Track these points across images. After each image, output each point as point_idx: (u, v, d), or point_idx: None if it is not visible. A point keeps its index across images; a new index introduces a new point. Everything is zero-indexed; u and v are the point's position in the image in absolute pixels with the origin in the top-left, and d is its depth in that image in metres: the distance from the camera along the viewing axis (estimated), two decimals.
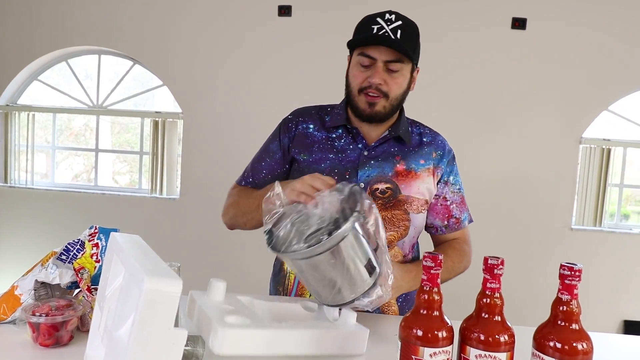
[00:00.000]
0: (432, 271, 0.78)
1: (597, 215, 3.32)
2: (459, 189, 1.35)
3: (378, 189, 1.26)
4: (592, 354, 0.75)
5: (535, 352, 0.76)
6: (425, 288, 0.78)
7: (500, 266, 0.77)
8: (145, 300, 0.57)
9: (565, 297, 0.75)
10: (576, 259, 3.40)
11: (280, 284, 1.36)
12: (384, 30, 1.16)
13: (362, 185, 1.27)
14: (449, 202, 1.34)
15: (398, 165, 1.27)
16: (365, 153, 1.28)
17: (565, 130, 3.31)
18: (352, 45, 1.23)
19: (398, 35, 1.16)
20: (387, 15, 1.18)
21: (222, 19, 3.56)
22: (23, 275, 1.04)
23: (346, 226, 0.92)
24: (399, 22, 1.18)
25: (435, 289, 0.78)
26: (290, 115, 1.37)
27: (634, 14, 3.22)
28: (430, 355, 0.75)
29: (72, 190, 3.87)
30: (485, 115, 3.37)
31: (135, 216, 3.68)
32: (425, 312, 0.78)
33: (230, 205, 1.35)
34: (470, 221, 1.39)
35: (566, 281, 0.75)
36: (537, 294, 3.08)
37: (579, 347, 0.74)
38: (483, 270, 0.78)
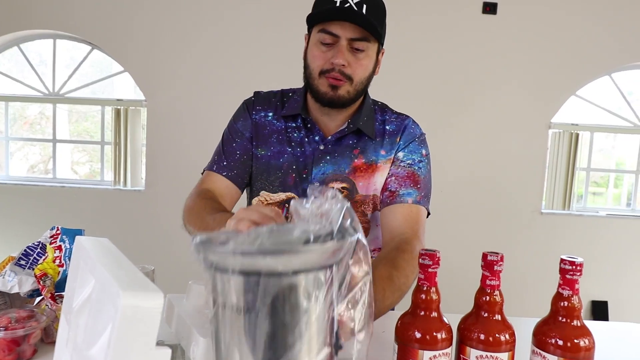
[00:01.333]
0: (429, 269, 0.73)
1: (566, 199, 3.39)
2: (409, 164, 1.17)
3: (333, 188, 1.17)
4: (594, 350, 0.72)
5: (536, 349, 0.74)
6: (423, 287, 0.73)
7: (500, 262, 0.73)
8: (123, 318, 0.50)
9: (566, 293, 0.73)
10: (546, 242, 3.47)
11: None
12: (348, 3, 1.02)
13: (317, 184, 1.15)
14: (388, 176, 1.18)
15: (356, 160, 1.17)
16: (321, 147, 1.17)
17: (535, 115, 3.35)
18: (311, 21, 1.09)
19: (363, 10, 1.02)
20: None
21: (187, 0, 3.41)
22: None
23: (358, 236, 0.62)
24: None
25: (433, 289, 0.74)
26: (253, 97, 1.26)
27: (601, 1, 3.27)
28: (430, 359, 0.71)
29: (29, 184, 3.67)
30: (454, 101, 3.37)
31: (99, 210, 3.53)
32: (423, 313, 0.73)
33: (191, 213, 1.11)
34: (418, 202, 1.14)
35: (567, 276, 0.72)
36: (508, 278, 3.12)
37: (581, 343, 0.71)
38: (482, 266, 0.74)
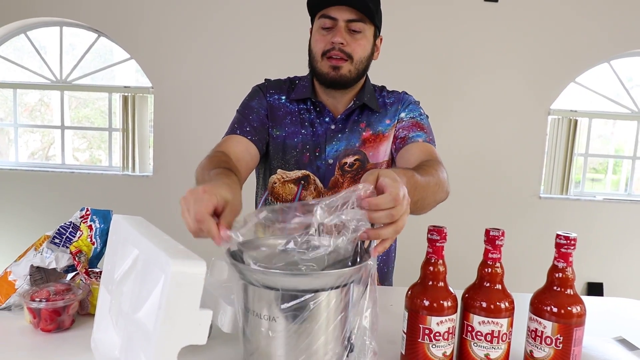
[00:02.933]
0: (437, 244, 0.80)
1: (564, 184, 3.46)
2: (412, 117, 1.28)
3: (346, 163, 1.27)
4: (585, 317, 0.79)
5: (533, 316, 0.81)
6: (431, 260, 0.81)
7: (502, 237, 0.80)
8: (172, 284, 0.57)
9: (561, 265, 0.80)
10: (544, 226, 3.52)
11: None
12: None
13: (331, 161, 1.26)
14: (396, 131, 1.28)
15: (364, 133, 1.27)
16: (333, 127, 1.27)
17: (534, 102, 3.40)
18: (312, 8, 1.21)
19: None
20: None
21: None
22: (15, 261, 1.01)
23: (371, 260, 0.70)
24: None
25: (441, 261, 0.81)
26: (265, 82, 1.34)
27: None
28: (437, 324, 0.79)
29: (38, 170, 3.73)
30: (455, 87, 3.42)
31: (108, 195, 3.60)
32: (431, 283, 0.81)
33: (197, 171, 1.06)
34: (428, 142, 1.23)
35: (562, 249, 0.79)
36: (508, 261, 3.21)
37: (574, 310, 0.78)
38: (485, 241, 0.81)
